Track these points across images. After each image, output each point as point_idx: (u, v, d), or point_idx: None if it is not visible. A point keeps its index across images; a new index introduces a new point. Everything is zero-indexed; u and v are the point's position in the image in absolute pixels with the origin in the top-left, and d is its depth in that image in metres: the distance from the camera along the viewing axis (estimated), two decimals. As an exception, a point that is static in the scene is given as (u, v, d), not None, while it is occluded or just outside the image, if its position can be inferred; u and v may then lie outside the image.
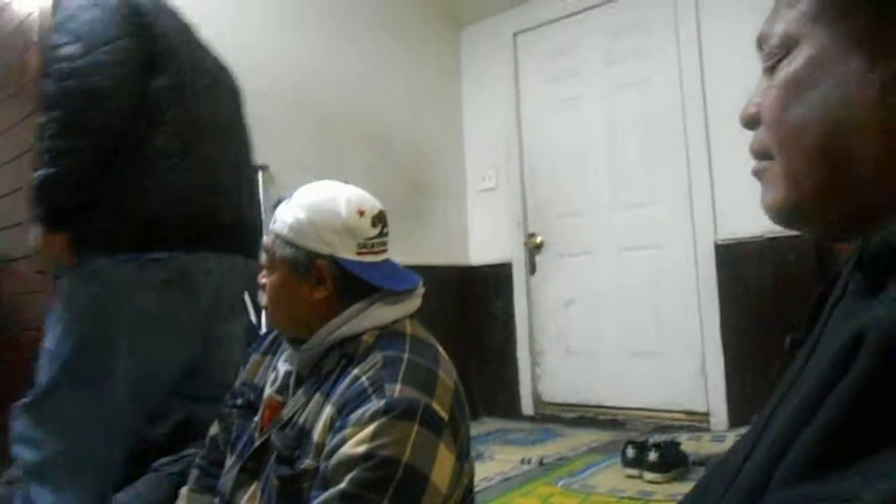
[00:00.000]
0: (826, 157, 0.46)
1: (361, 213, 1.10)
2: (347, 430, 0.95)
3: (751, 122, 0.53)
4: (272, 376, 1.17)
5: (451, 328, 3.91)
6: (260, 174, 3.04)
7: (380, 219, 1.13)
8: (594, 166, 3.66)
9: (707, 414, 3.21)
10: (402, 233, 3.64)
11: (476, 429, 3.63)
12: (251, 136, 1.96)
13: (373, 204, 1.14)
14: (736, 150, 2.89)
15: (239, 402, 1.22)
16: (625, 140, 3.56)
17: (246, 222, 1.83)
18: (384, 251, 1.14)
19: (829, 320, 0.50)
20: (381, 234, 1.13)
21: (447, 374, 1.05)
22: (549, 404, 3.80)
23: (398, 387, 0.97)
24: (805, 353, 0.52)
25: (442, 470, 0.96)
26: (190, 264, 1.59)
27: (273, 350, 1.24)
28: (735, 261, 3.11)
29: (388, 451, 0.92)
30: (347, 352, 1.06)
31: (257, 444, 1.10)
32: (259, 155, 3.04)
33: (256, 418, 1.15)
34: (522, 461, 2.85)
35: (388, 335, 1.07)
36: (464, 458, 1.06)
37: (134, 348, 1.57)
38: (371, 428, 0.93)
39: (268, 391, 1.16)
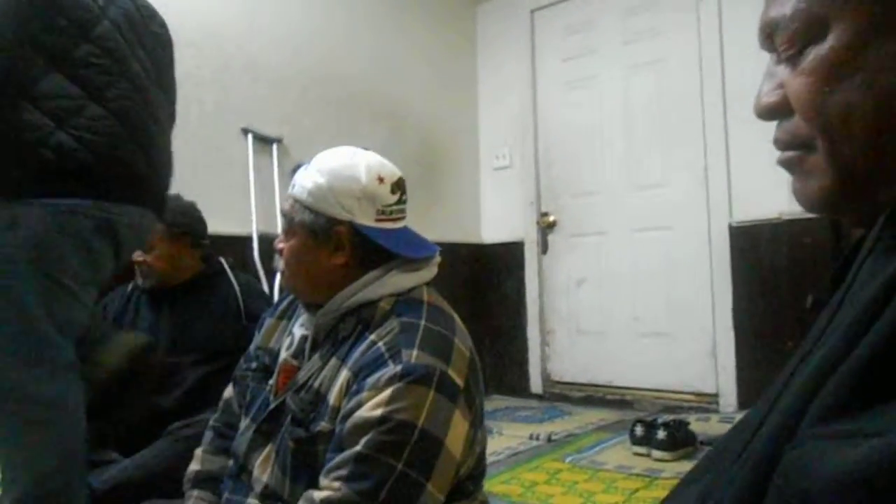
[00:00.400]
0: (878, 140, 0.45)
1: (381, 180, 1.10)
2: (364, 394, 0.96)
3: (772, 113, 0.51)
4: (287, 340, 1.18)
5: (462, 306, 3.89)
6: (274, 146, 3.05)
7: (399, 186, 1.13)
8: (609, 146, 3.64)
9: (716, 395, 3.21)
10: (416, 210, 3.62)
11: (485, 405, 3.65)
12: (175, 90, 1.86)
13: (392, 171, 1.13)
14: (754, 132, 2.87)
15: (254, 365, 1.22)
16: (641, 120, 3.53)
17: (160, 176, 1.70)
18: (402, 218, 1.14)
19: (856, 278, 0.50)
20: (399, 201, 1.12)
21: (463, 342, 1.05)
22: (558, 383, 3.81)
23: (415, 352, 0.97)
24: (829, 312, 0.51)
25: (456, 436, 0.97)
26: (115, 215, 1.50)
27: (288, 315, 1.24)
28: (750, 243, 3.09)
29: (404, 415, 0.93)
30: (364, 317, 1.07)
31: (273, 406, 1.11)
32: (274, 127, 3.06)
33: (271, 382, 1.16)
34: (531, 437, 2.87)
35: (405, 302, 1.08)
36: (477, 426, 1.07)
37: (53, 298, 1.44)
38: (387, 392, 0.94)
39: (283, 355, 1.16)
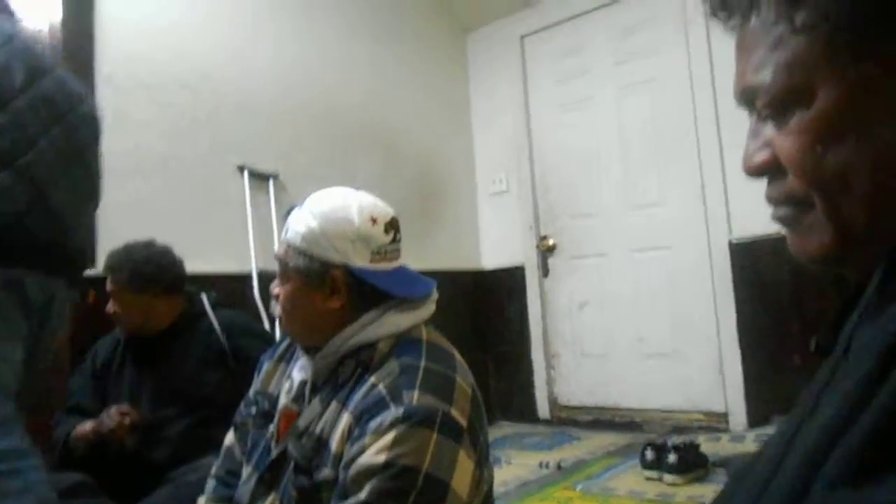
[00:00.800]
0: (878, 197, 0.44)
1: (374, 221, 1.09)
2: (366, 439, 0.94)
3: (762, 173, 0.51)
4: (287, 385, 1.16)
5: (465, 333, 3.90)
6: (271, 182, 3.05)
7: (392, 225, 1.12)
8: (605, 167, 3.65)
9: (725, 414, 3.18)
10: (414, 239, 3.66)
11: (492, 433, 3.61)
12: (98, 167, 1.82)
13: (385, 210, 1.13)
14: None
15: (254, 410, 1.21)
16: (636, 139, 3.54)
17: (71, 245, 1.67)
18: (398, 257, 1.14)
19: (858, 328, 0.49)
20: (394, 241, 1.12)
21: (464, 379, 1.04)
22: (565, 407, 3.78)
23: (416, 394, 0.96)
24: (833, 362, 0.50)
25: (462, 477, 0.96)
26: (23, 276, 1.49)
27: (287, 358, 1.23)
28: (751, 259, 3.08)
29: (408, 459, 0.92)
30: (363, 360, 1.06)
31: (274, 454, 1.10)
32: (269, 163, 3.07)
33: (272, 428, 1.15)
34: (540, 465, 2.84)
35: (404, 342, 1.07)
36: (483, 464, 1.05)
37: None
38: (390, 436, 0.93)
39: (283, 400, 1.15)
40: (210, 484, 1.28)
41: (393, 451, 0.92)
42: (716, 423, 3.21)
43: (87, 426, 2.00)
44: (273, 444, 1.12)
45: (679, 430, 3.25)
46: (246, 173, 2.96)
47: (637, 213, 3.53)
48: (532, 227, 3.89)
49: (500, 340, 4.02)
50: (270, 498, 1.09)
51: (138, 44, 2.74)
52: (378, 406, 0.97)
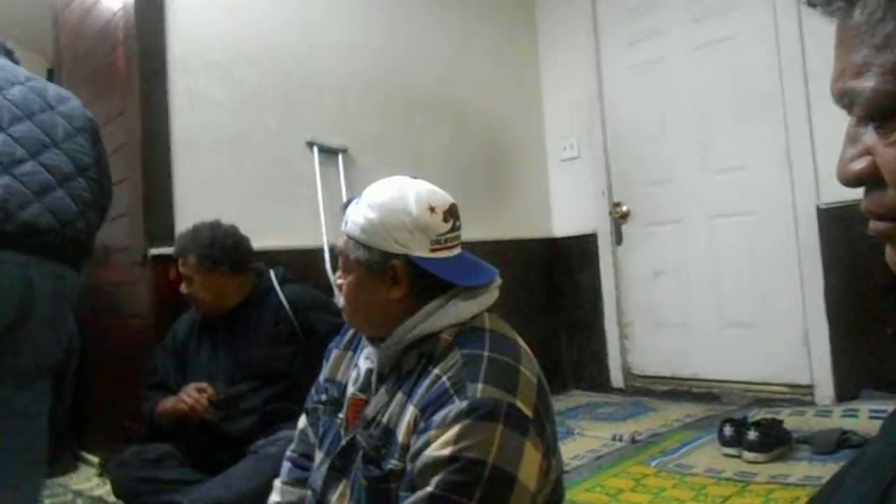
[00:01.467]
0: None
1: (432, 210, 1.08)
2: (431, 432, 0.94)
3: (859, 181, 0.46)
4: (354, 374, 1.18)
5: (536, 302, 3.87)
6: (340, 156, 3.07)
7: (451, 213, 1.11)
8: (682, 130, 3.49)
9: (811, 386, 3.04)
10: (484, 208, 3.64)
11: (565, 402, 3.60)
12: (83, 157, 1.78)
13: (443, 198, 1.11)
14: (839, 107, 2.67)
15: (324, 398, 1.23)
16: (715, 101, 3.36)
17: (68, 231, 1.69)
18: (458, 245, 1.12)
19: None
20: (453, 229, 1.10)
21: (529, 369, 1.02)
22: (640, 377, 3.71)
23: (480, 386, 0.95)
24: None
25: (529, 468, 0.95)
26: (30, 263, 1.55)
27: (354, 346, 1.25)
28: (840, 225, 2.90)
29: (474, 452, 0.91)
30: (426, 350, 1.05)
31: (344, 443, 1.12)
32: (338, 137, 3.09)
33: (341, 415, 1.16)
34: (614, 438, 2.80)
35: (467, 332, 1.05)
36: (550, 455, 1.04)
37: None
38: (455, 430, 0.92)
39: (350, 389, 1.17)
40: (285, 466, 1.32)
41: (458, 444, 0.92)
42: (800, 395, 3.08)
43: (168, 403, 2.09)
44: (342, 431, 1.14)
45: (760, 402, 3.14)
46: (315, 149, 2.98)
47: (716, 177, 3.37)
48: (604, 194, 3.78)
49: (572, 309, 3.96)
50: (342, 485, 1.11)
51: (209, 24, 2.79)
52: (442, 399, 0.96)
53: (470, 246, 3.65)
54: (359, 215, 1.09)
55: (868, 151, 0.45)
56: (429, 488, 0.92)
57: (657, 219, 3.62)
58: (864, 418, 2.56)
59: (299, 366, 2.17)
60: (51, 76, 4.88)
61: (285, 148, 2.95)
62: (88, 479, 2.77)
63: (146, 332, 2.59)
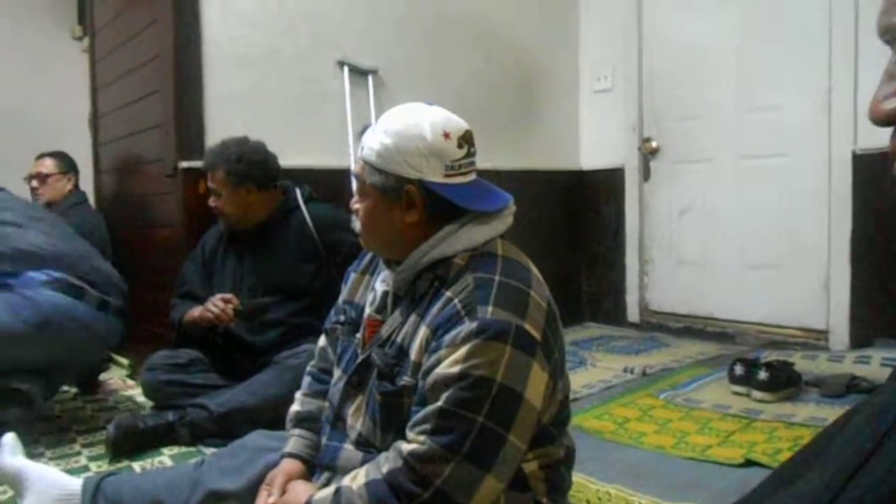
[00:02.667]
0: None
1: (447, 136, 1.09)
2: (442, 351, 0.99)
3: (889, 120, 0.46)
4: (371, 296, 1.22)
5: (558, 233, 3.88)
6: (370, 78, 3.05)
7: (466, 139, 1.12)
8: (719, 66, 3.39)
9: (826, 332, 3.06)
10: (512, 135, 3.61)
11: (580, 334, 3.66)
12: None
13: (458, 125, 1.12)
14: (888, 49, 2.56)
15: (342, 318, 1.29)
16: (757, 36, 3.24)
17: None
18: (472, 171, 1.14)
19: None
20: (468, 155, 1.12)
21: (539, 294, 1.06)
22: (656, 313, 3.75)
23: (490, 308, 0.99)
24: None
25: (535, 388, 1.00)
26: None
27: (371, 270, 1.29)
28: (875, 172, 2.83)
29: (482, 371, 0.96)
30: (440, 274, 1.09)
31: (360, 360, 1.17)
32: (369, 58, 3.05)
33: (358, 335, 1.22)
34: (625, 370, 2.86)
35: (479, 256, 1.09)
36: (557, 376, 1.08)
37: None
38: (464, 349, 0.97)
39: (367, 310, 1.21)
40: (306, 380, 1.38)
41: (467, 362, 0.96)
42: (814, 340, 3.10)
43: (195, 312, 2.17)
44: (359, 350, 1.19)
45: (774, 344, 3.17)
46: (346, 68, 2.96)
47: (751, 116, 3.30)
48: (635, 129, 3.72)
49: (593, 242, 3.97)
50: (358, 400, 1.17)
51: (241, -67, 2.72)
52: (453, 320, 1.01)
53: (495, 173, 3.66)
54: (374, 141, 1.11)
55: None
56: (439, 403, 0.97)
57: (687, 156, 3.56)
58: (876, 365, 2.59)
59: (321, 283, 2.23)
60: (82, -18, 4.84)
61: (315, 67, 2.92)
62: (121, 380, 2.92)
63: (176, 242, 2.66)
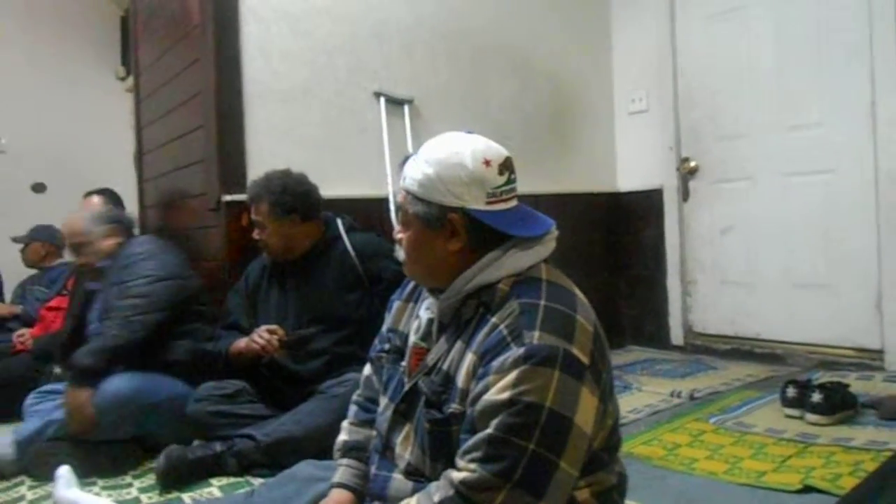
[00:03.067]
0: None
1: (487, 163, 1.10)
2: (490, 377, 0.98)
3: None
4: (415, 324, 1.22)
5: (598, 256, 3.85)
6: (406, 107, 3.09)
7: (506, 166, 1.12)
8: (758, 83, 3.35)
9: (881, 351, 2.96)
10: (549, 160, 3.61)
11: (623, 357, 3.60)
12: None
13: (498, 152, 1.13)
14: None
15: (387, 346, 1.29)
16: (796, 52, 3.20)
17: None
18: (514, 197, 1.15)
19: None
20: (508, 182, 1.12)
21: (585, 317, 1.05)
22: (701, 335, 3.67)
23: (536, 334, 0.98)
24: None
25: (585, 413, 0.98)
26: None
27: (415, 298, 1.29)
28: (924, 185, 2.76)
29: (531, 396, 0.95)
30: (484, 300, 1.09)
31: (406, 388, 1.17)
32: (404, 88, 3.10)
33: (404, 363, 1.22)
34: (672, 394, 2.80)
35: (524, 282, 1.08)
36: (607, 400, 1.07)
37: None
38: (513, 375, 0.96)
39: (412, 338, 1.21)
40: (352, 409, 1.38)
41: (516, 388, 0.95)
42: (869, 360, 3.00)
43: (241, 343, 2.20)
44: (405, 378, 1.19)
45: (825, 364, 3.08)
46: (382, 99, 3.00)
47: (792, 134, 3.24)
48: (672, 148, 3.69)
49: (634, 264, 3.92)
50: (406, 428, 1.17)
51: (279, -27, 2.80)
52: (500, 346, 1.00)
53: (533, 198, 3.65)
54: (416, 171, 1.12)
55: None
56: (488, 430, 0.96)
57: (727, 175, 3.52)
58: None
59: (365, 312, 2.24)
60: (125, 24, 5.03)
61: (353, 98, 2.98)
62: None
63: (219, 275, 2.71)
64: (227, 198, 2.68)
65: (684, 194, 3.69)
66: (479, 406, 0.98)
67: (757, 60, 3.35)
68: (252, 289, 2.39)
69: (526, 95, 3.55)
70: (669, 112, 3.70)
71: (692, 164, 3.63)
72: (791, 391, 2.41)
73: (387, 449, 1.20)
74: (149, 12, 3.54)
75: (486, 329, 1.04)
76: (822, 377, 2.70)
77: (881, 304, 2.95)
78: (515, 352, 0.97)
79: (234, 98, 2.71)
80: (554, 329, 1.00)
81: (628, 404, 2.70)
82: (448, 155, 1.10)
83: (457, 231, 1.10)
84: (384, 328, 1.34)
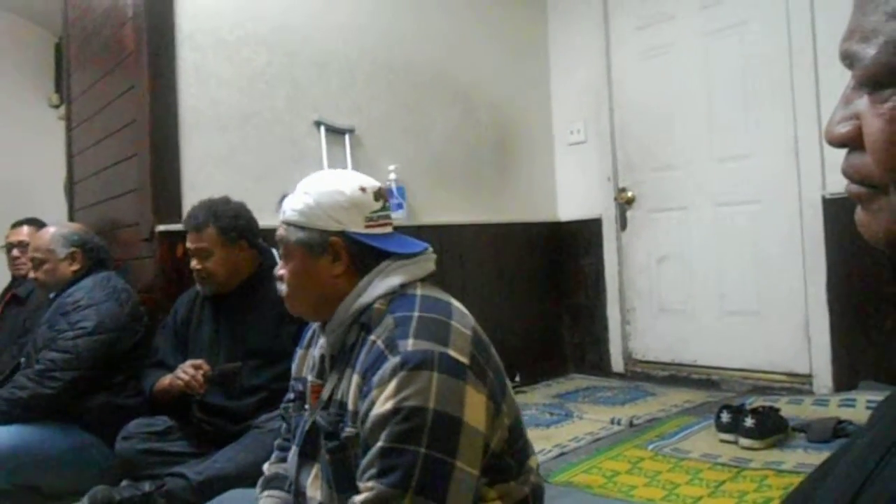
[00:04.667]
0: None
1: (363, 189, 1.16)
2: (373, 392, 1.00)
3: (842, 143, 0.48)
4: (311, 363, 1.23)
5: (539, 285, 3.89)
6: (347, 137, 3.08)
7: (381, 194, 1.18)
8: (690, 117, 3.48)
9: (810, 376, 3.06)
10: (490, 190, 3.65)
11: (565, 385, 3.63)
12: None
13: (372, 182, 1.20)
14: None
15: (292, 396, 1.29)
16: (723, 88, 3.35)
17: None
18: (389, 224, 1.19)
19: None
20: (384, 208, 1.18)
21: (462, 323, 1.07)
22: (640, 362, 3.74)
23: (410, 341, 1.01)
24: None
25: (474, 410, 0.99)
26: None
27: (314, 343, 1.29)
28: (846, 215, 2.88)
29: (413, 401, 0.96)
30: (364, 322, 1.11)
31: (306, 426, 1.17)
32: (345, 118, 3.09)
33: (307, 405, 1.21)
34: (612, 421, 2.83)
35: (399, 298, 1.11)
36: (498, 398, 1.07)
37: None
38: (392, 384, 0.97)
39: (309, 378, 1.22)
40: (274, 453, 1.37)
41: (397, 396, 0.96)
42: (799, 384, 3.10)
43: (165, 380, 2.12)
44: (307, 418, 1.18)
45: (758, 390, 3.17)
46: (322, 128, 2.99)
47: (723, 165, 3.37)
48: (610, 179, 3.79)
49: (574, 293, 3.98)
50: (314, 469, 1.16)
51: (216, 1, 2.78)
52: (378, 360, 1.02)
53: (474, 228, 3.67)
54: (296, 202, 1.16)
55: (856, 116, 0.46)
56: (379, 443, 0.96)
57: (662, 205, 3.62)
58: (861, 408, 2.58)
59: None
60: (58, 50, 4.90)
61: (292, 127, 2.96)
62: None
63: (152, 308, 2.62)
64: (161, 228, 2.60)
65: (622, 223, 3.78)
66: (368, 423, 0.99)
67: (687, 94, 3.48)
68: (181, 324, 2.31)
69: (467, 126, 3.59)
70: (607, 143, 3.80)
71: (629, 193, 3.72)
72: (725, 416, 2.47)
73: (298, 495, 1.18)
74: (82, 38, 3.46)
75: (366, 348, 1.07)
76: (755, 402, 2.77)
77: (808, 330, 3.06)
78: (392, 361, 0.99)
79: (169, 125, 2.66)
80: (428, 335, 1.02)
81: (569, 433, 2.72)
82: (326, 184, 1.16)
83: (339, 254, 1.14)
84: (291, 381, 1.33)
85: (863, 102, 0.45)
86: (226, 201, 2.26)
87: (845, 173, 0.49)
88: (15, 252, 3.12)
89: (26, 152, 4.86)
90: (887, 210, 0.46)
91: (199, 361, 2.10)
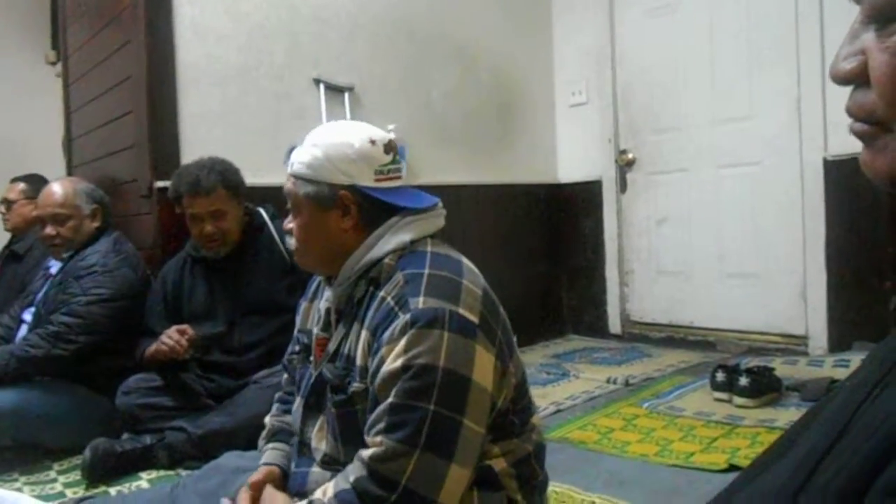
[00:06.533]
0: None
1: (373, 142, 1.13)
2: (383, 349, 1.00)
3: (847, 80, 0.47)
4: (316, 317, 1.23)
5: (539, 246, 3.89)
6: (346, 95, 3.05)
7: (391, 147, 1.15)
8: (692, 78, 3.44)
9: (805, 337, 3.09)
10: (490, 152, 3.63)
11: (563, 346, 3.66)
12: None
13: (382, 134, 1.16)
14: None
15: (297, 348, 1.29)
16: (727, 48, 3.30)
17: None
18: (399, 178, 1.16)
19: None
20: (394, 161, 1.15)
21: (472, 282, 1.07)
22: (638, 323, 3.76)
23: (421, 300, 1.00)
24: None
25: (482, 369, 1.00)
26: None
27: (318, 296, 1.29)
28: (846, 178, 2.88)
29: (424, 359, 0.96)
30: (373, 277, 1.11)
31: (312, 379, 1.17)
32: (345, 75, 3.06)
33: (312, 358, 1.21)
34: (608, 380, 2.86)
35: (409, 255, 1.10)
36: (506, 357, 1.08)
37: None
38: (403, 342, 0.98)
39: (315, 331, 1.22)
40: (274, 406, 1.38)
41: (408, 353, 0.97)
42: (794, 345, 3.12)
43: (152, 347, 2.12)
44: (313, 371, 1.19)
45: (754, 351, 3.20)
46: (322, 86, 2.96)
47: (725, 127, 3.34)
48: (611, 141, 3.76)
49: (573, 255, 3.99)
50: (319, 421, 1.16)
51: (214, -47, 2.73)
52: (389, 317, 1.02)
53: (474, 188, 3.64)
54: (304, 155, 1.13)
55: (862, 52, 0.45)
56: (389, 399, 0.97)
57: (663, 167, 3.60)
58: (855, 368, 2.61)
59: (297, 298, 2.21)
60: (54, 5, 4.82)
61: (291, 84, 2.92)
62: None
63: (152, 264, 2.63)
64: (160, 184, 2.59)
65: (622, 186, 3.77)
66: (378, 379, 1.00)
67: (691, 55, 3.44)
68: (172, 290, 2.29)
69: (468, 86, 3.56)
70: (608, 105, 3.76)
71: (630, 155, 3.70)
72: (720, 375, 2.49)
73: (303, 445, 1.20)
74: (78, -8, 3.40)
75: (375, 304, 1.06)
76: (750, 362, 2.79)
77: (805, 292, 3.07)
78: (402, 319, 0.99)
79: (166, 81, 2.63)
80: (438, 293, 1.02)
81: (565, 391, 2.75)
82: (334, 136, 1.13)
83: (348, 208, 1.12)
84: (295, 332, 1.33)
85: (869, 37, 0.45)
86: (220, 160, 2.25)
87: (849, 111, 0.48)
88: (1, 209, 3.13)
89: (23, 109, 4.82)
90: (892, 147, 0.45)
91: (183, 326, 2.10)
